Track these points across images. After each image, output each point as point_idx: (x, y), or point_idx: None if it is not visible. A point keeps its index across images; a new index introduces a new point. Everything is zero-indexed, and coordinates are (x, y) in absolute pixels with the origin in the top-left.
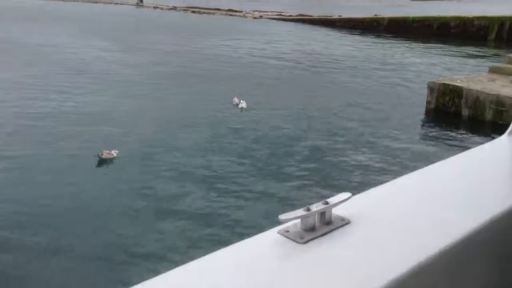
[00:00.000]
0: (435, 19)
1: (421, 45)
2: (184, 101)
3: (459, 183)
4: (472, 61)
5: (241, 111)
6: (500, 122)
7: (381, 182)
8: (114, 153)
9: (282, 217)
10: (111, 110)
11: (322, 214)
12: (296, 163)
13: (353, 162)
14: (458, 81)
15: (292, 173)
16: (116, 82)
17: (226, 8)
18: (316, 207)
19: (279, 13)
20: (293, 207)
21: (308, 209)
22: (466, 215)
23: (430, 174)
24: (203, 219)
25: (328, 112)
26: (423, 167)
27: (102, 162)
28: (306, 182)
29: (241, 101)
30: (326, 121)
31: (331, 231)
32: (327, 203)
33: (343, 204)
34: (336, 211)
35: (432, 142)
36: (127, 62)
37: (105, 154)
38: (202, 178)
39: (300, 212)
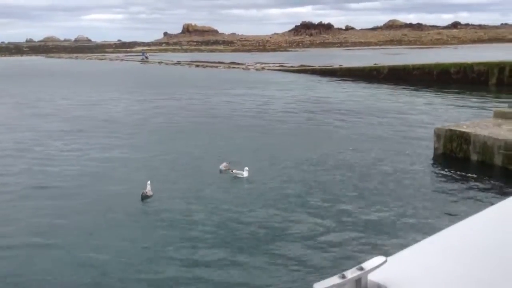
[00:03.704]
0: (435, 66)
1: (423, 92)
2: (187, 152)
3: (493, 240)
4: (475, 106)
5: (246, 181)
6: (510, 167)
7: (404, 238)
8: (148, 187)
9: (317, 286)
10: (132, 157)
11: (358, 281)
12: (306, 224)
13: (368, 217)
14: (464, 126)
15: (305, 236)
16: (135, 132)
17: (229, 61)
18: (351, 273)
19: (280, 64)
20: (318, 272)
21: (343, 276)
22: (505, 275)
23: (462, 230)
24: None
25: (334, 164)
26: (452, 223)
27: (145, 197)
28: (322, 244)
29: (245, 169)
30: (332, 175)
31: None
32: (362, 268)
33: (378, 269)
34: (372, 277)
35: (445, 189)
36: (142, 115)
37: (148, 192)
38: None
39: (335, 279)
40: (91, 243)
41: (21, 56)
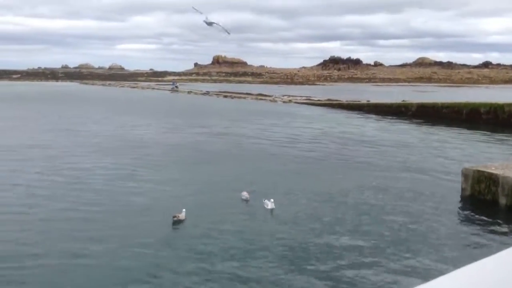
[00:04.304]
0: (464, 105)
1: (451, 131)
2: (216, 181)
3: (505, 283)
4: (504, 147)
5: (271, 212)
6: None
7: (420, 280)
8: (183, 213)
9: None
10: (161, 182)
11: None
12: (330, 261)
13: (387, 257)
14: (493, 168)
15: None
16: (164, 158)
17: (256, 93)
18: None
19: (307, 98)
20: None
21: None
22: None
23: (474, 271)
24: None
25: (357, 199)
26: (467, 263)
27: (177, 221)
28: (338, 278)
29: (270, 201)
30: (355, 210)
31: None
32: None
33: None
34: None
35: (470, 233)
36: (171, 142)
37: (180, 216)
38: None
39: None
40: (121, 262)
41: (57, 81)
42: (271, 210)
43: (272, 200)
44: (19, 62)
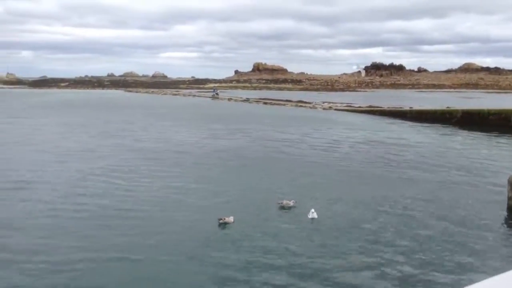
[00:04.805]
0: None
1: (498, 138)
2: (259, 187)
3: None
4: None
5: (312, 221)
6: None
7: (466, 283)
8: (231, 218)
9: None
10: (209, 184)
11: None
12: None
13: (428, 267)
14: None
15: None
16: (206, 163)
17: (296, 100)
18: None
19: (348, 104)
20: None
21: None
22: None
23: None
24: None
25: (402, 209)
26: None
27: (223, 224)
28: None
29: (311, 210)
30: (396, 218)
31: None
32: None
33: None
34: None
35: None
36: (212, 147)
37: (227, 219)
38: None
39: None
40: (169, 263)
41: (103, 89)
42: (312, 219)
43: (313, 210)
44: (67, 71)
